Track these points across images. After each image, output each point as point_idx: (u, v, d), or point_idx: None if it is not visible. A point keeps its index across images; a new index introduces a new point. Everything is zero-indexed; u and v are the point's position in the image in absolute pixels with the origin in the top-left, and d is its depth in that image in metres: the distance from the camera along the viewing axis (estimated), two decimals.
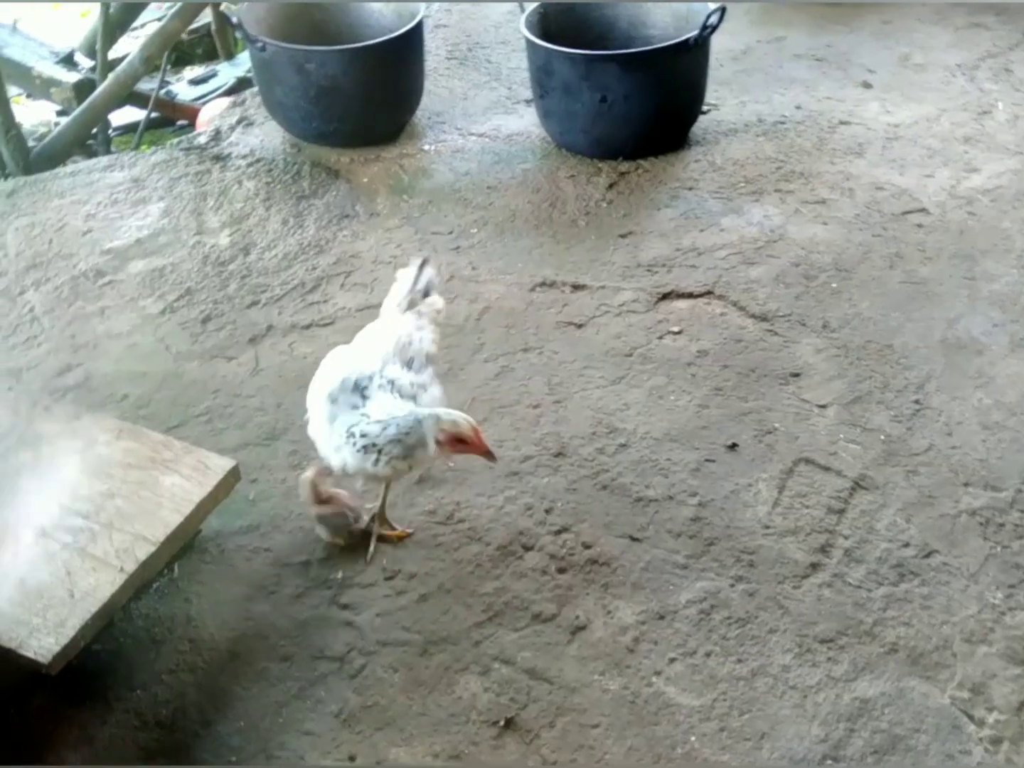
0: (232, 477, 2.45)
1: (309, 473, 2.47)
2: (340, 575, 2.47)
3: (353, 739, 2.15)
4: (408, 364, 2.32)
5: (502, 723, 2.17)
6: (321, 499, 2.48)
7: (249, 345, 3.18)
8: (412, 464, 2.27)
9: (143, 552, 2.22)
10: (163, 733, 2.16)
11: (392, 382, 2.25)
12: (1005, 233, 3.49)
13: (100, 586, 2.15)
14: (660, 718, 2.18)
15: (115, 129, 5.51)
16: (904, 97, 4.29)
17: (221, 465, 2.44)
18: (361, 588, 2.45)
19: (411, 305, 2.48)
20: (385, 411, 2.21)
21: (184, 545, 2.48)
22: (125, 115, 5.61)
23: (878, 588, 2.42)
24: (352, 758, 2.12)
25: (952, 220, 3.58)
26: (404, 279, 2.54)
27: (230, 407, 2.94)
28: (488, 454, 2.25)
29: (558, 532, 2.57)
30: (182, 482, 2.39)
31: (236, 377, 3.05)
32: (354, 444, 2.20)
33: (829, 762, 2.10)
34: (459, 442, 2.22)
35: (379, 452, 2.19)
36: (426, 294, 2.53)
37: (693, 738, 2.15)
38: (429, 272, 2.55)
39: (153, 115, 5.42)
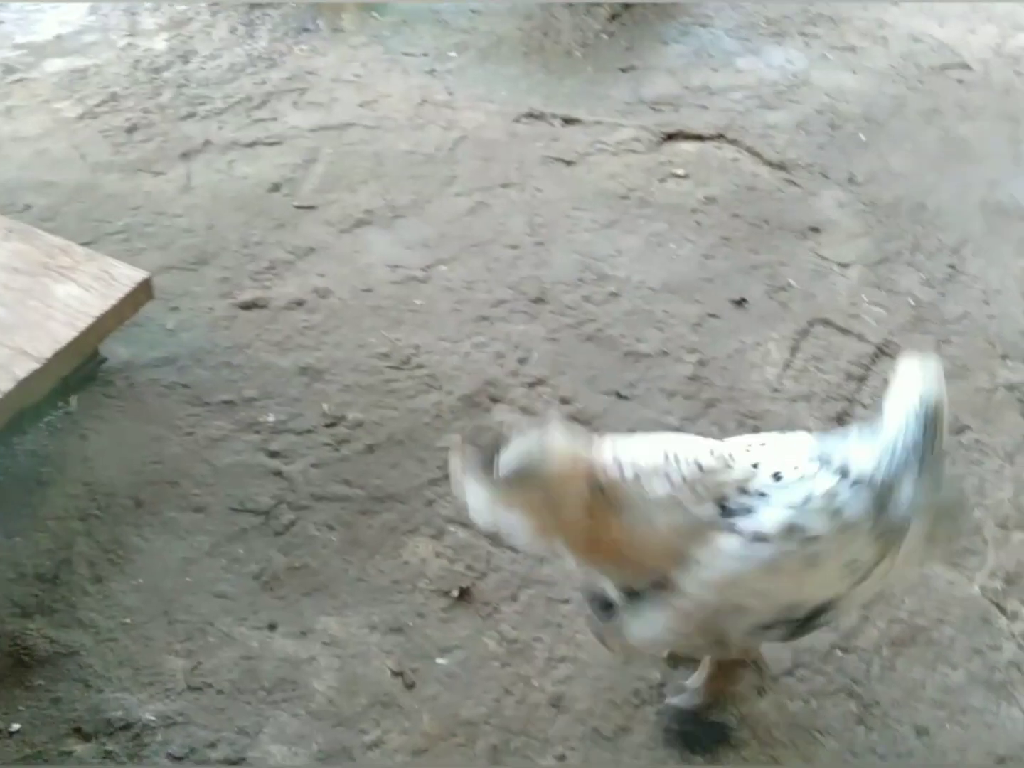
0: (142, 292, 2.03)
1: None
2: (271, 418, 2.07)
3: (274, 604, 1.78)
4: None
5: (455, 593, 1.81)
6: None
7: (181, 160, 2.70)
8: None
9: (23, 369, 1.81)
10: (44, 587, 1.78)
11: None
12: None
13: None
14: None
15: None
16: None
17: (129, 276, 2.01)
18: (295, 435, 2.05)
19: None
20: None
21: (84, 374, 2.07)
22: None
23: None
24: (272, 626, 1.75)
25: (997, 79, 3.16)
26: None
27: (152, 226, 2.48)
28: None
29: (532, 384, 2.19)
30: (80, 292, 1.96)
31: (163, 194, 2.58)
32: None
33: (839, 652, 1.77)
34: None
35: None
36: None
37: None
38: None
39: None
